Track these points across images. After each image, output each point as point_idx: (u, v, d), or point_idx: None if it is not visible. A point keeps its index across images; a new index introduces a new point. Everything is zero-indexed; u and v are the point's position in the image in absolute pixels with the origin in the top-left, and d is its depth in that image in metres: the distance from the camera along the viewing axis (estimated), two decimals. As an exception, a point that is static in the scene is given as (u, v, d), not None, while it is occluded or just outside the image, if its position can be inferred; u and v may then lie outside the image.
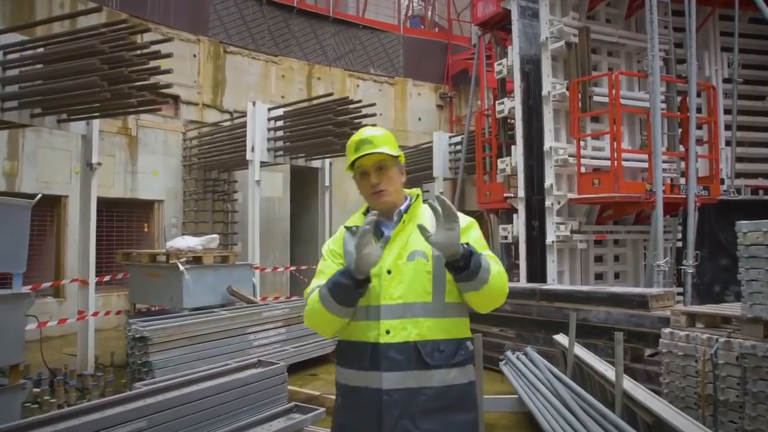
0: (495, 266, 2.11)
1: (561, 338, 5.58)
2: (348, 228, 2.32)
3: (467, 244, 2.06)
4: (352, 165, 2.29)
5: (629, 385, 3.93)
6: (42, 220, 9.84)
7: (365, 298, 2.13)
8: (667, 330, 4.34)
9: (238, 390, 4.25)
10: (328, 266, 2.25)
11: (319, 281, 2.19)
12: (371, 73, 15.23)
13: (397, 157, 2.28)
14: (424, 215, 2.25)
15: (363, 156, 2.23)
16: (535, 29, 9.14)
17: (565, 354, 5.48)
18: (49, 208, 9.85)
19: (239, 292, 7.34)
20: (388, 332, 2.10)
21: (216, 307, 6.99)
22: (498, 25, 10.53)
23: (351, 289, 2.04)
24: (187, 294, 6.87)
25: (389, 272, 2.14)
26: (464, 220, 2.22)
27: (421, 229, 2.00)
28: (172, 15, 11.53)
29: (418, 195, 2.34)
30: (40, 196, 4.59)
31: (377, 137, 2.27)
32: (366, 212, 2.33)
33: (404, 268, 2.15)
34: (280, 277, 12.15)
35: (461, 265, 2.00)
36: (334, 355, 2.35)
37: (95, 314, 6.82)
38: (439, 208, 1.97)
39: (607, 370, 4.36)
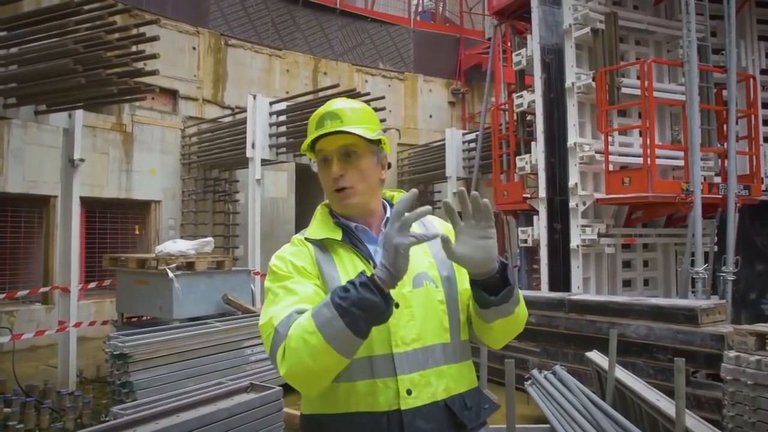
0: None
1: (595, 356, 4.93)
2: (311, 241, 1.61)
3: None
4: (312, 148, 1.62)
5: (692, 422, 3.26)
6: (29, 222, 9.28)
7: (365, 346, 1.43)
8: (732, 353, 3.68)
9: (225, 422, 3.63)
10: (300, 283, 1.51)
11: (290, 306, 1.44)
12: (380, 68, 14.59)
13: (376, 142, 1.60)
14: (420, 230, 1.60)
15: (323, 136, 1.58)
16: (556, 16, 8.51)
17: (600, 374, 4.85)
18: (37, 208, 9.30)
19: (236, 300, 6.72)
20: (409, 392, 1.46)
21: (210, 317, 6.37)
22: (515, 14, 9.88)
23: (380, 308, 1.32)
24: (178, 303, 6.26)
25: (396, 306, 1.45)
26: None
27: (445, 242, 1.38)
28: (170, 5, 10.95)
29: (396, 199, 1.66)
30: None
31: (349, 111, 1.60)
32: (336, 218, 1.66)
33: (413, 299, 1.52)
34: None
35: (498, 284, 1.46)
36: None
37: (77, 325, 6.20)
38: (468, 206, 1.39)
39: (660, 400, 3.70)
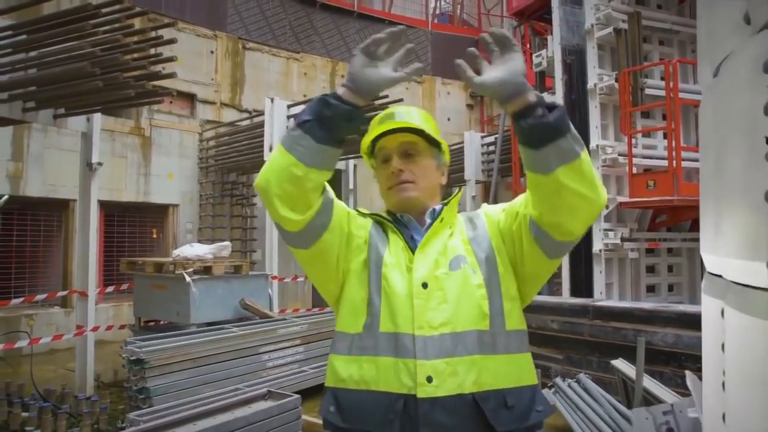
0: None
1: (620, 364, 4.79)
2: (371, 215, 1.65)
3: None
4: (371, 151, 1.64)
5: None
6: (49, 225, 9.32)
7: (390, 320, 1.42)
8: None
9: (242, 430, 3.55)
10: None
11: None
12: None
13: (437, 145, 1.62)
14: (459, 221, 1.62)
15: (386, 133, 1.58)
16: (577, 17, 8.37)
17: (626, 383, 4.70)
18: (57, 212, 9.33)
19: (253, 305, 6.66)
20: (429, 380, 1.36)
21: (227, 322, 6.31)
22: (535, 15, 9.77)
23: (338, 110, 1.39)
24: (195, 308, 6.21)
25: (425, 286, 1.42)
26: (494, 209, 1.65)
27: (461, 68, 1.32)
28: (188, 9, 10.96)
29: (458, 192, 1.67)
30: (6, 197, 3.94)
31: (412, 112, 1.63)
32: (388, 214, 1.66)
33: (447, 281, 1.44)
34: (302, 287, 11.46)
35: (539, 113, 1.29)
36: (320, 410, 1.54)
37: (95, 329, 6.18)
38: (489, 40, 1.34)
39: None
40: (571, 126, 1.31)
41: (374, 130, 1.61)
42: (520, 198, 1.55)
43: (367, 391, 1.42)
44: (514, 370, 1.46)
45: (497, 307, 1.47)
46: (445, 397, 1.36)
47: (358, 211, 1.65)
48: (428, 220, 1.59)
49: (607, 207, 7.51)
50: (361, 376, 1.43)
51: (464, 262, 1.49)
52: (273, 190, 1.41)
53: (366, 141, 1.63)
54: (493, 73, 1.31)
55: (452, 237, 1.55)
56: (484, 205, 1.70)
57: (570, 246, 1.49)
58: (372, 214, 1.65)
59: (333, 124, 1.39)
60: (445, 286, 1.45)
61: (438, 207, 1.62)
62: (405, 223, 1.62)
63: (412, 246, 1.54)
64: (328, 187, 1.51)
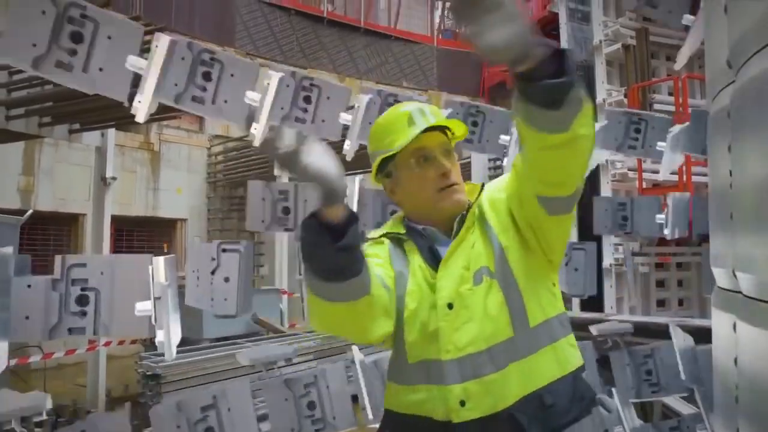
0: None
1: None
2: (387, 236, 1.53)
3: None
4: (385, 160, 1.50)
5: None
6: (59, 239, 9.35)
7: (420, 348, 1.38)
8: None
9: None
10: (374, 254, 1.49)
11: None
12: (404, 86, 14.60)
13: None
14: (485, 213, 1.50)
15: (426, 129, 1.46)
16: (585, 33, 8.43)
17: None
18: (66, 226, 9.37)
19: (265, 320, 6.67)
20: (463, 404, 1.32)
21: (239, 337, 6.32)
22: (543, 31, 9.80)
23: (326, 251, 1.21)
24: (207, 323, 6.22)
25: (450, 306, 1.36)
26: (497, 186, 1.55)
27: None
28: (197, 24, 11.09)
29: (481, 186, 1.56)
30: (30, 212, 3.97)
31: (434, 110, 1.54)
32: (408, 221, 1.57)
33: (471, 298, 1.37)
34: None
35: (551, 71, 1.11)
36: None
37: (107, 344, 6.18)
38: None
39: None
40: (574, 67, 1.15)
41: (404, 131, 1.46)
42: (503, 181, 1.51)
43: (413, 415, 1.41)
44: (547, 364, 1.40)
45: (517, 306, 1.40)
46: (479, 419, 1.33)
47: (368, 239, 1.57)
48: (456, 227, 1.48)
49: (616, 221, 7.52)
50: (408, 401, 1.43)
51: (486, 273, 1.41)
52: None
53: (400, 140, 1.46)
54: (498, 34, 1.05)
55: (478, 241, 1.45)
56: (488, 187, 1.58)
57: (580, 192, 1.41)
58: (385, 234, 1.55)
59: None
60: (470, 303, 1.38)
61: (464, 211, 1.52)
62: (427, 235, 1.52)
63: (430, 260, 1.46)
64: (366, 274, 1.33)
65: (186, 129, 10.88)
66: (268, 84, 2.70)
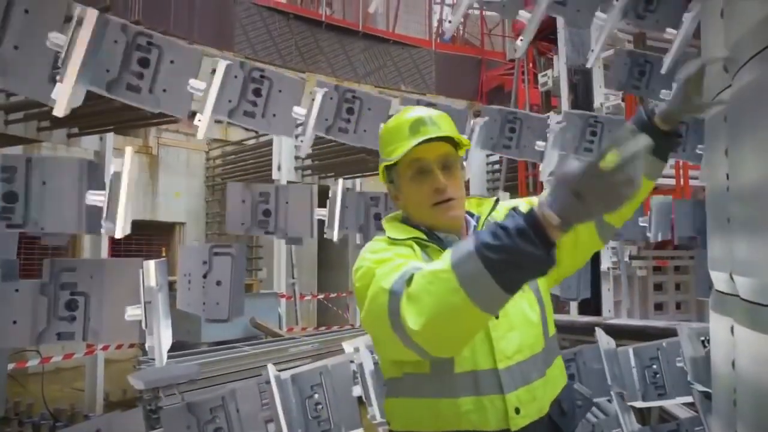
0: None
1: (634, 383, 4.77)
2: (411, 239, 1.46)
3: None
4: (389, 166, 1.49)
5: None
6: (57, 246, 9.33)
7: (469, 359, 1.34)
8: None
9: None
10: (402, 255, 1.36)
11: (398, 269, 1.27)
12: (402, 89, 14.64)
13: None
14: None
15: (423, 141, 1.42)
16: (582, 37, 8.47)
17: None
18: (65, 230, 9.35)
19: (263, 324, 6.66)
20: (518, 411, 1.35)
21: (237, 341, 6.31)
22: (540, 35, 9.84)
23: (541, 262, 1.05)
24: (205, 326, 6.21)
25: (496, 316, 1.36)
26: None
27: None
28: (196, 28, 11.11)
29: (495, 201, 1.57)
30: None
31: (442, 118, 1.48)
32: (403, 222, 1.54)
33: (512, 309, 1.38)
34: (308, 305, 11.46)
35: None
36: None
37: (105, 348, 6.17)
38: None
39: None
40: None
41: (405, 140, 1.45)
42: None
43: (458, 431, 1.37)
44: (559, 373, 1.50)
45: (545, 317, 1.48)
46: (530, 424, 1.37)
47: (390, 239, 1.47)
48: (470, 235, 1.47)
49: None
50: (444, 418, 1.37)
51: None
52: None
53: (399, 150, 1.45)
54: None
55: None
56: (504, 203, 1.61)
57: None
58: (411, 238, 1.48)
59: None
60: (510, 313, 1.40)
61: (474, 221, 1.54)
62: (448, 242, 1.48)
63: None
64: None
65: (185, 133, 10.88)
66: (214, 71, 2.60)
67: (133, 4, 10.04)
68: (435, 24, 17.20)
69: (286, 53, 12.76)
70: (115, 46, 2.30)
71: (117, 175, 2.31)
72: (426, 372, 1.38)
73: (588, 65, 4.16)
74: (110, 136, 6.23)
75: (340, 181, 3.21)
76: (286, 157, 9.11)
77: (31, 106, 5.27)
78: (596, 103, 7.82)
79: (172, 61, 2.42)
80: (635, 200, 1.47)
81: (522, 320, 1.42)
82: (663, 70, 4.21)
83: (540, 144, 4.02)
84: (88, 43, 2.16)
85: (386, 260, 1.33)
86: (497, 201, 1.58)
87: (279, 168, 9.09)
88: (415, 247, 1.46)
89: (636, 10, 3.60)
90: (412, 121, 1.47)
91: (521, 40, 3.77)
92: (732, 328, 1.47)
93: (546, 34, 9.59)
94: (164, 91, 2.41)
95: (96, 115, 5.26)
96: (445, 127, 1.47)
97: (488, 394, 1.36)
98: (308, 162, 9.31)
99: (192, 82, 2.46)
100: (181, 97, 2.47)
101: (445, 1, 17.63)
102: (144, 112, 4.96)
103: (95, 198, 2.26)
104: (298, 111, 2.82)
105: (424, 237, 1.48)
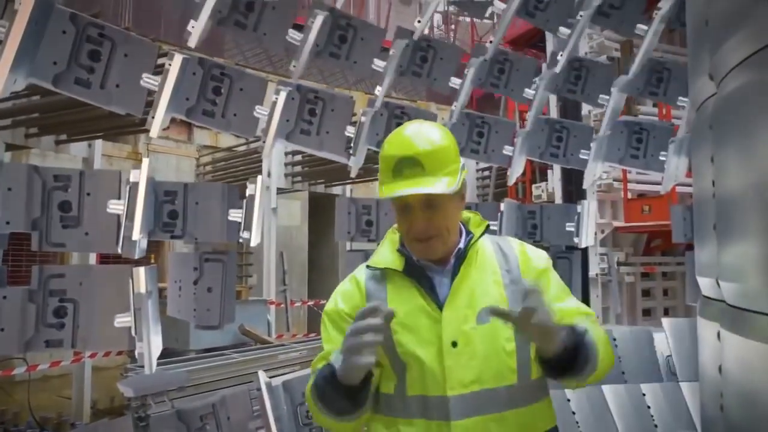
0: (600, 335, 1.41)
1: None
2: (371, 268, 1.53)
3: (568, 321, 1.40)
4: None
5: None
6: (45, 250, 9.25)
7: (418, 383, 1.40)
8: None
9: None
10: (333, 337, 1.49)
11: (326, 353, 1.51)
12: (393, 96, 14.66)
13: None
14: (486, 251, 1.52)
15: (401, 193, 1.42)
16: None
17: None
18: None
19: (252, 331, 6.64)
20: None
21: (226, 348, 6.28)
22: (529, 43, 9.93)
23: (339, 400, 1.37)
24: (194, 334, 6.18)
25: (454, 344, 1.39)
26: (537, 256, 1.53)
27: (498, 314, 1.32)
28: (186, 35, 11.08)
29: (472, 223, 1.57)
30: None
31: (432, 155, 1.42)
32: (402, 246, 1.55)
33: (475, 336, 1.41)
34: (298, 311, 11.43)
35: (564, 364, 1.38)
36: None
37: (93, 356, 6.12)
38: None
39: None
40: (590, 356, 1.38)
41: (388, 180, 1.45)
42: (542, 259, 1.58)
43: None
44: (540, 416, 1.48)
45: (526, 357, 1.45)
46: None
47: (367, 266, 1.57)
48: (452, 261, 1.51)
49: (602, 232, 7.59)
50: None
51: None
52: None
53: (383, 190, 1.46)
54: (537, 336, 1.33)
55: (482, 280, 1.48)
56: (515, 242, 1.62)
57: None
58: (386, 268, 1.53)
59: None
60: (474, 341, 1.42)
61: (462, 245, 1.53)
62: (423, 266, 1.52)
63: (432, 296, 1.47)
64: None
65: (174, 139, 10.86)
66: (169, 66, 2.50)
67: (123, 11, 10.02)
68: (426, 31, 17.27)
69: (276, 59, 12.77)
70: (62, 36, 2.22)
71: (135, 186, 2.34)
72: (391, 392, 1.47)
73: (557, 70, 4.19)
74: (99, 143, 6.23)
75: (259, 177, 3.08)
76: (276, 163, 9.10)
77: (18, 112, 5.24)
78: (584, 110, 7.88)
79: (125, 55, 2.35)
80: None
81: (491, 349, 1.43)
82: (630, 74, 4.26)
83: (508, 149, 4.06)
84: (25, 29, 2.05)
85: (324, 340, 1.55)
86: (488, 226, 1.60)
87: (269, 174, 9.07)
88: (372, 281, 1.56)
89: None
90: (398, 159, 1.43)
91: (490, 41, 3.81)
92: (719, 334, 1.48)
93: (535, 42, 9.68)
94: (117, 86, 2.35)
95: (84, 122, 5.23)
96: (433, 168, 1.42)
97: (436, 419, 1.39)
98: (298, 169, 9.31)
99: (146, 77, 2.39)
100: (135, 93, 2.40)
101: (436, 9, 17.72)
102: (133, 119, 4.96)
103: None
104: (261, 110, 2.77)
105: (400, 269, 1.52)
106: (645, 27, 4.30)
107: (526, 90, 4.06)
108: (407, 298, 1.49)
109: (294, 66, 2.99)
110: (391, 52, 3.41)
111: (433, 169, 1.42)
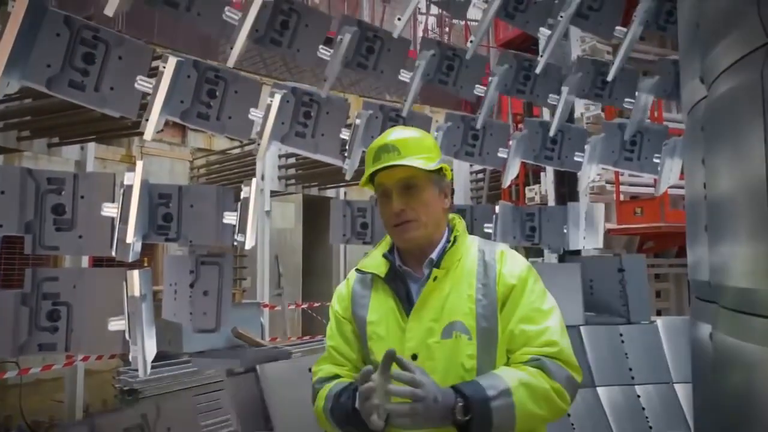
0: (540, 388, 1.37)
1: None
2: (360, 272, 1.60)
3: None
4: (371, 179, 1.57)
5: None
6: (38, 254, 9.21)
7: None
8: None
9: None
10: (333, 334, 1.60)
11: (327, 353, 1.66)
12: (387, 99, 14.68)
13: (437, 171, 1.54)
14: (468, 260, 1.52)
15: (381, 169, 1.52)
16: (563, 48, 8.55)
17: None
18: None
19: (245, 334, 6.59)
20: None
21: (219, 351, 6.24)
22: (522, 46, 9.94)
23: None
24: (187, 336, 6.13)
25: (414, 357, 1.42)
26: (511, 271, 1.50)
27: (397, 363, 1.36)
28: (181, 38, 11.07)
29: (456, 229, 1.59)
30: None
31: (407, 141, 1.52)
32: (390, 252, 1.59)
33: (437, 351, 1.43)
34: (292, 314, 11.41)
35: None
36: None
37: (85, 359, 6.09)
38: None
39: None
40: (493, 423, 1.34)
41: (369, 166, 1.56)
42: (522, 268, 1.57)
43: None
44: None
45: (486, 371, 1.45)
46: None
47: (356, 269, 1.66)
48: (425, 271, 1.55)
49: (596, 234, 7.61)
50: None
51: (459, 329, 1.46)
52: None
53: (363, 180, 1.58)
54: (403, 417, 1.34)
55: (454, 292, 1.50)
56: (499, 251, 1.60)
57: None
58: (370, 272, 1.60)
59: None
60: (435, 356, 1.44)
61: (436, 253, 1.56)
62: (403, 276, 1.57)
63: (405, 304, 1.52)
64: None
65: (168, 142, 10.83)
66: (163, 68, 2.52)
67: (117, 15, 9.99)
68: (420, 33, 17.31)
69: (270, 62, 12.76)
70: (56, 39, 2.22)
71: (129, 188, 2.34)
72: None
73: (537, 71, 4.22)
74: (91, 146, 6.20)
75: (253, 180, 3.11)
76: (269, 165, 9.09)
77: (10, 115, 5.22)
78: (577, 113, 7.91)
79: (120, 57, 2.34)
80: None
81: (451, 365, 1.44)
82: (609, 78, 4.30)
83: (503, 151, 4.08)
84: (18, 31, 2.04)
85: (328, 337, 1.66)
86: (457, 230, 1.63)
87: (262, 177, 9.06)
88: (359, 285, 1.63)
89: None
90: (377, 148, 1.56)
91: (471, 41, 3.83)
92: (710, 335, 1.50)
93: (528, 45, 9.71)
94: (111, 89, 2.34)
95: (77, 125, 5.21)
96: (407, 152, 1.51)
97: (396, 429, 1.39)
98: (292, 171, 9.30)
99: (141, 79, 2.39)
100: (130, 96, 2.40)
101: (430, 12, 17.77)
102: (127, 121, 4.94)
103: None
104: (255, 113, 2.79)
105: (382, 275, 1.57)
106: (624, 29, 4.34)
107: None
108: (384, 305, 1.54)
109: (325, 79, 3.09)
110: (416, 63, 3.53)
111: (408, 152, 1.52)
